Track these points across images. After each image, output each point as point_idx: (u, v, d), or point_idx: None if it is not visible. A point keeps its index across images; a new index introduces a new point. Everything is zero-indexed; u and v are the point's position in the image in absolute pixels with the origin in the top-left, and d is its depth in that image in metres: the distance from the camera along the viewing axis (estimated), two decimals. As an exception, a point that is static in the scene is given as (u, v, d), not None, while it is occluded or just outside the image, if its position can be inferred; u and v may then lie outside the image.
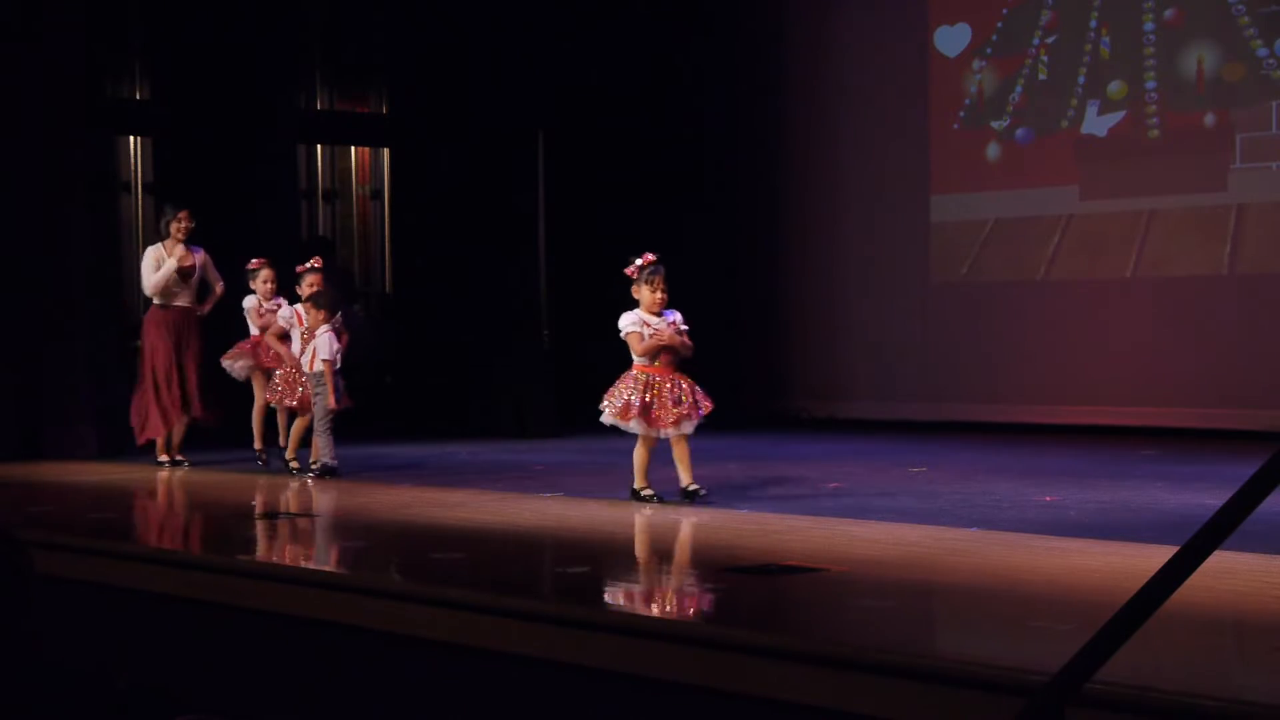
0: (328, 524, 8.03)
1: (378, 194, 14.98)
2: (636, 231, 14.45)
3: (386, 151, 14.85)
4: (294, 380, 9.73)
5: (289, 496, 9.01)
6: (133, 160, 13.80)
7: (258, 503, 8.84)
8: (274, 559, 6.67)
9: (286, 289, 10.22)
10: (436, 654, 5.28)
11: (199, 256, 10.50)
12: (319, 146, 14.75)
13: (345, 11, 14.58)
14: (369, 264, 14.89)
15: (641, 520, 7.46)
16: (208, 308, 10.53)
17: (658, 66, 14.42)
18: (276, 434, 10.24)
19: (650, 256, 7.95)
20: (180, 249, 10.42)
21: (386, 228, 14.89)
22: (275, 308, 10.15)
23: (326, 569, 6.34)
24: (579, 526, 7.36)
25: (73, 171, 11.50)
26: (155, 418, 10.38)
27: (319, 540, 7.51)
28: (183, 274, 10.40)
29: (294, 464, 9.80)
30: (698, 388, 7.88)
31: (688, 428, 7.81)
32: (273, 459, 10.12)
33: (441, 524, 7.90)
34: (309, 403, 9.60)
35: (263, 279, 10.30)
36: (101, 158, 12.01)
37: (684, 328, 7.92)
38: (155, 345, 10.40)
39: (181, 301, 10.45)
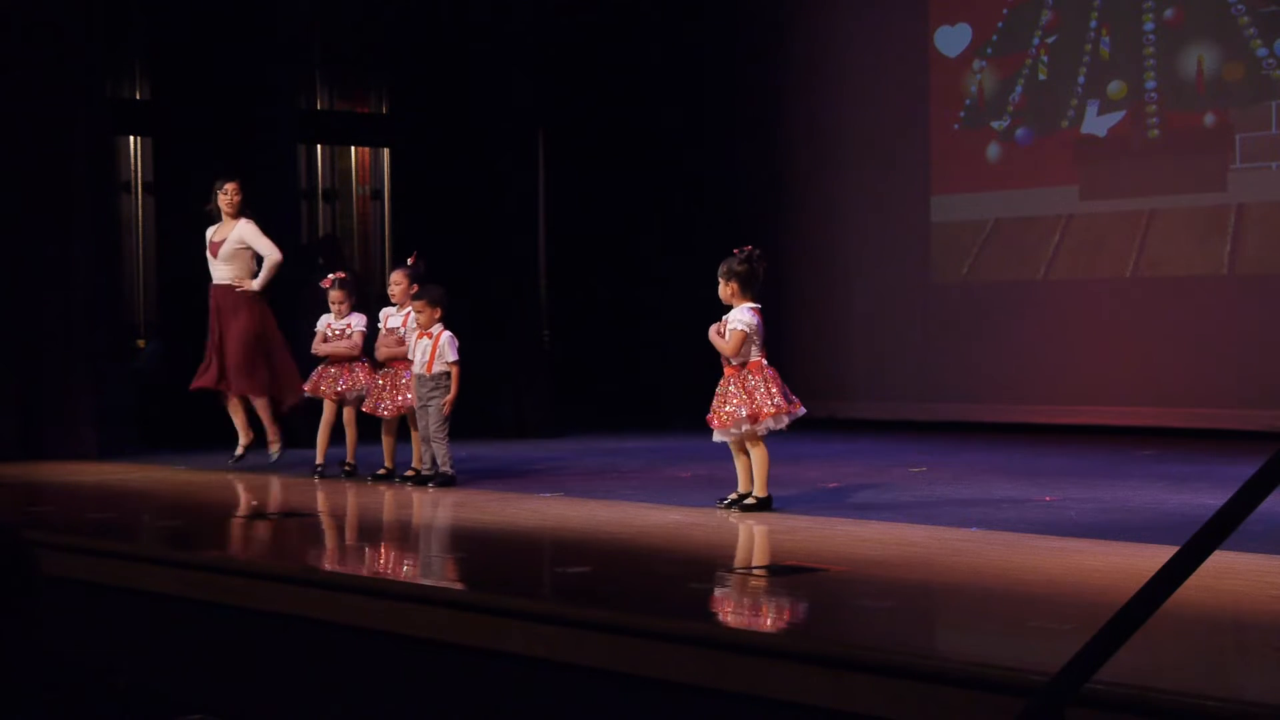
0: (328, 524, 8.03)
1: (378, 194, 14.98)
2: (636, 231, 14.51)
3: (386, 151, 14.86)
4: (391, 389, 9.37)
5: (290, 497, 9.00)
6: (133, 160, 13.81)
7: (259, 503, 8.84)
8: (274, 559, 6.67)
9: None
10: (436, 654, 5.28)
11: (234, 230, 9.99)
12: (319, 146, 14.75)
13: (345, 11, 14.58)
14: (369, 264, 14.89)
15: (641, 520, 7.46)
16: (254, 284, 9.96)
17: (657, 66, 14.42)
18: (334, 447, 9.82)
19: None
20: (228, 224, 10.01)
21: (386, 228, 14.90)
22: (344, 329, 9.63)
23: (327, 569, 6.34)
24: (579, 526, 7.35)
25: (73, 171, 11.50)
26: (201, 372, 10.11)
27: (319, 540, 7.50)
28: (212, 250, 10.05)
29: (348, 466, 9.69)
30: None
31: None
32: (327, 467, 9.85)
33: (442, 524, 7.91)
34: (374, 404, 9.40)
35: (332, 299, 9.70)
36: (101, 158, 11.99)
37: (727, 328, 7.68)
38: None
39: (217, 278, 10.03)
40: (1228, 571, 5.16)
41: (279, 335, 10.20)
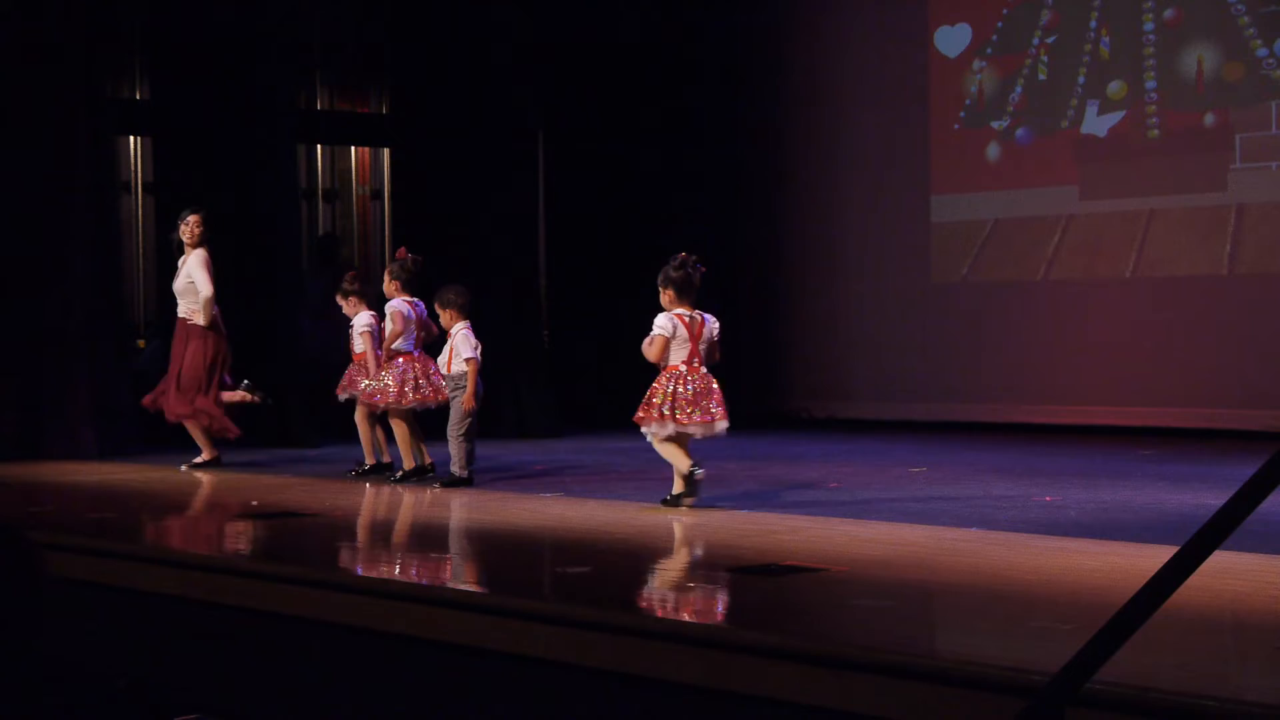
0: (328, 524, 8.02)
1: (378, 194, 14.98)
2: (636, 231, 14.50)
3: (386, 151, 14.85)
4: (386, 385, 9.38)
5: (290, 497, 8.99)
6: (133, 160, 13.80)
7: (259, 503, 8.83)
8: (274, 559, 6.67)
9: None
10: (436, 654, 5.28)
11: (184, 262, 10.10)
12: (319, 146, 14.75)
13: (345, 11, 14.58)
14: (369, 264, 14.88)
15: (641, 520, 7.46)
16: (200, 319, 10.01)
17: (656, 66, 14.41)
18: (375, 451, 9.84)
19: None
20: (189, 254, 10.10)
21: (386, 228, 14.89)
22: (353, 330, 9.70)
23: (326, 569, 6.33)
24: (579, 526, 7.36)
25: (73, 171, 11.50)
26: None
27: (319, 541, 7.49)
28: (175, 281, 10.22)
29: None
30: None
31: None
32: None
33: (442, 524, 7.91)
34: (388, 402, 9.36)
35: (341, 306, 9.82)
36: (101, 158, 11.99)
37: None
38: None
39: (179, 309, 10.20)
40: (1228, 571, 5.16)
41: (223, 373, 10.19)
